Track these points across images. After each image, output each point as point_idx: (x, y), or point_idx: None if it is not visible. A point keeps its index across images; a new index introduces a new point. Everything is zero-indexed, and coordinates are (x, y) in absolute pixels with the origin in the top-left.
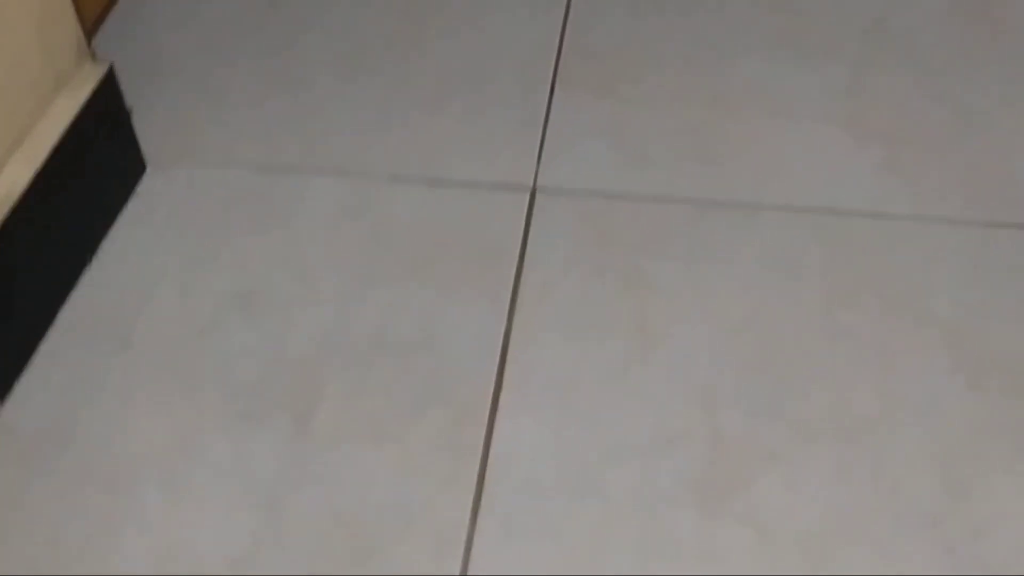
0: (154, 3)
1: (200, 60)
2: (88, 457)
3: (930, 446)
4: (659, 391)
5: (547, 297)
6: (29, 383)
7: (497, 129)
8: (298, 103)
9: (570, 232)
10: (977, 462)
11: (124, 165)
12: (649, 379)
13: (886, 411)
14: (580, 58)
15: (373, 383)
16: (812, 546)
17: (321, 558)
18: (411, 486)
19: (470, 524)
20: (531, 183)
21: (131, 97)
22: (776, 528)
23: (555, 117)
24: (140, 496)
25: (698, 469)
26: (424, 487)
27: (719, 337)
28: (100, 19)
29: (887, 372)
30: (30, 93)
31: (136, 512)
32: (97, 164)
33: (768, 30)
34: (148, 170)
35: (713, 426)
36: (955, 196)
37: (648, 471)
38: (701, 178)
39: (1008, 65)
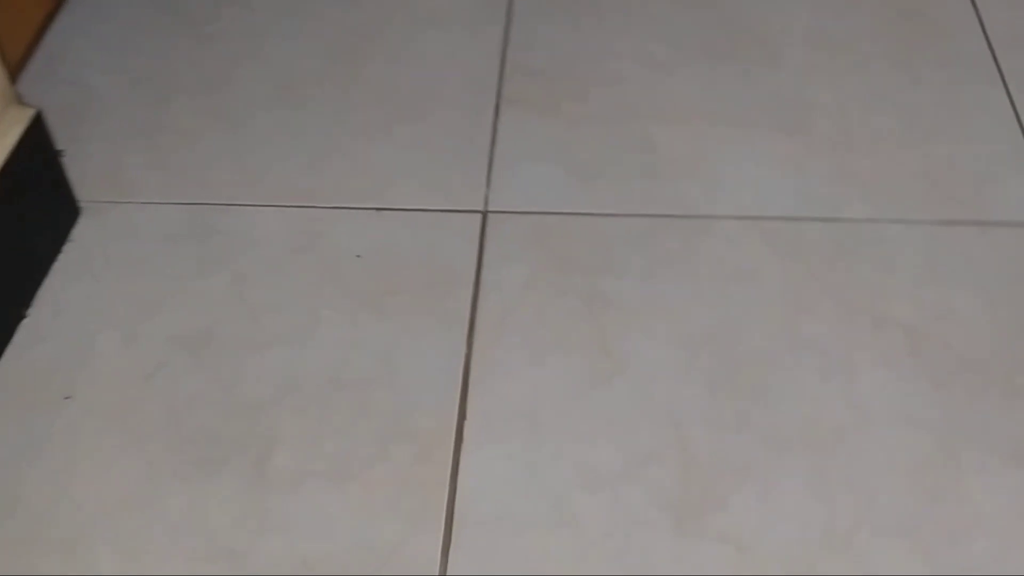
0: (81, 42)
1: (131, 98)
2: (35, 520)
3: (902, 452)
4: (626, 412)
5: (506, 322)
6: None
7: (444, 153)
8: (237, 138)
9: (525, 254)
10: (949, 466)
11: (56, 211)
12: (615, 400)
13: (855, 419)
14: (523, 77)
15: (332, 422)
16: (792, 560)
17: None
18: (378, 527)
19: (441, 562)
20: (482, 206)
21: (61, 139)
22: (755, 544)
23: (502, 138)
24: (94, 557)
25: (672, 489)
26: (392, 527)
27: (683, 353)
28: (24, 59)
29: (852, 380)
30: None
31: (91, 574)
32: (28, 211)
33: (710, 42)
34: (82, 214)
35: (683, 444)
36: (907, 197)
37: (621, 495)
38: (653, 192)
39: (948, 66)
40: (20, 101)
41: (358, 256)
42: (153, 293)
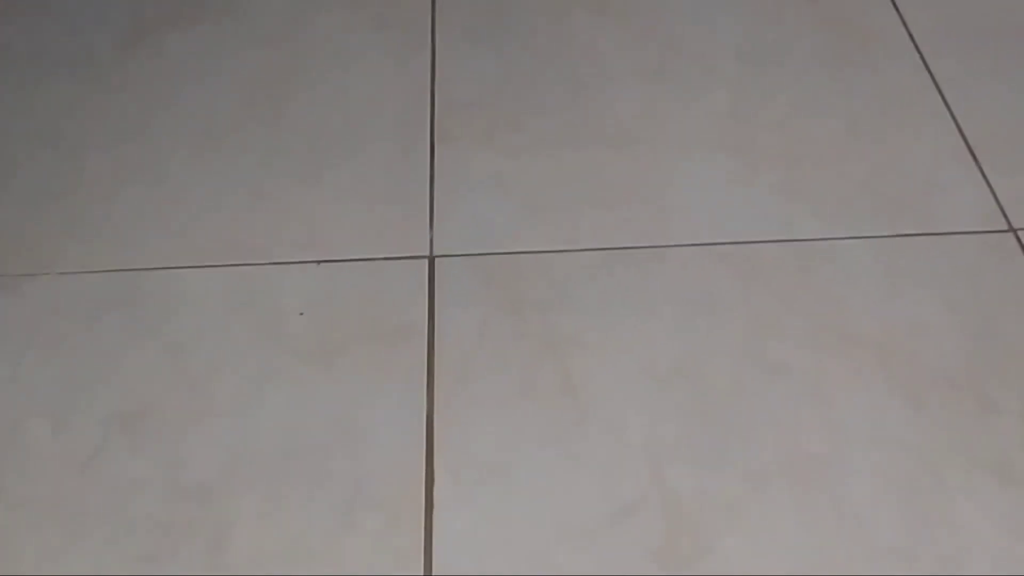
0: None
1: (39, 158)
2: None
3: (886, 477)
4: (601, 458)
5: (465, 372)
6: None
7: (381, 196)
8: (158, 193)
9: (477, 298)
10: (935, 486)
11: None
12: (588, 446)
13: (835, 446)
14: (455, 109)
15: (290, 497)
16: None
17: None
18: None
19: None
20: (428, 250)
21: None
22: None
23: (440, 175)
24: None
25: (658, 538)
26: None
27: (651, 389)
28: None
29: (827, 403)
30: None
31: None
32: None
33: (641, 62)
34: None
35: (664, 488)
36: (858, 211)
37: (606, 549)
38: (601, 223)
39: (883, 72)
40: None
41: (301, 313)
42: (82, 371)
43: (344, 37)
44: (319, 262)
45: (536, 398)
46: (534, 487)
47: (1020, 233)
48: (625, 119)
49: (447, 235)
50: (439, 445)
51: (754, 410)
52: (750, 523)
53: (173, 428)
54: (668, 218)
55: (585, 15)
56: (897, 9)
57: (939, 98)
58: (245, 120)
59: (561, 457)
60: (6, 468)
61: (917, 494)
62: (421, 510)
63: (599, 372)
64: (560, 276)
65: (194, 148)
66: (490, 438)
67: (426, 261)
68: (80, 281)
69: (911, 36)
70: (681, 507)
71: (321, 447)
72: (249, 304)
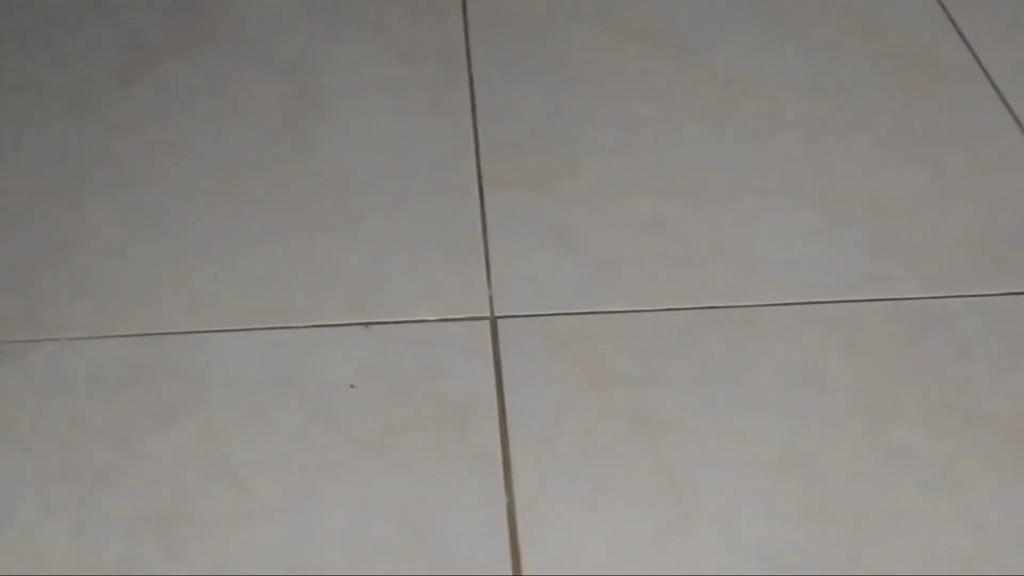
0: None
1: (35, 207)
2: None
3: None
4: (717, 564)
5: (547, 459)
6: None
7: (429, 248)
8: (175, 246)
9: (550, 367)
10: None
11: None
12: (700, 550)
13: (979, 545)
14: (503, 151)
15: None
16: None
17: None
18: None
19: None
20: (488, 310)
21: None
22: None
23: (494, 226)
24: None
25: None
26: None
27: (760, 478)
28: None
29: (961, 495)
30: None
31: None
32: None
33: (699, 100)
34: None
35: None
36: (961, 268)
37: None
38: (679, 280)
39: (962, 112)
40: None
41: (352, 386)
42: (102, 460)
43: (370, 68)
44: (367, 324)
45: (632, 491)
46: None
47: None
48: (690, 162)
49: (508, 293)
50: (526, 550)
51: (880, 503)
52: None
53: (213, 531)
54: (753, 274)
55: (631, 44)
56: (967, 42)
57: None
58: (266, 162)
59: (672, 565)
60: None
61: None
62: None
63: (700, 459)
64: (642, 341)
65: (211, 195)
66: (586, 541)
67: (488, 323)
68: (94, 348)
69: (986, 72)
70: None
71: (390, 552)
72: (292, 375)
